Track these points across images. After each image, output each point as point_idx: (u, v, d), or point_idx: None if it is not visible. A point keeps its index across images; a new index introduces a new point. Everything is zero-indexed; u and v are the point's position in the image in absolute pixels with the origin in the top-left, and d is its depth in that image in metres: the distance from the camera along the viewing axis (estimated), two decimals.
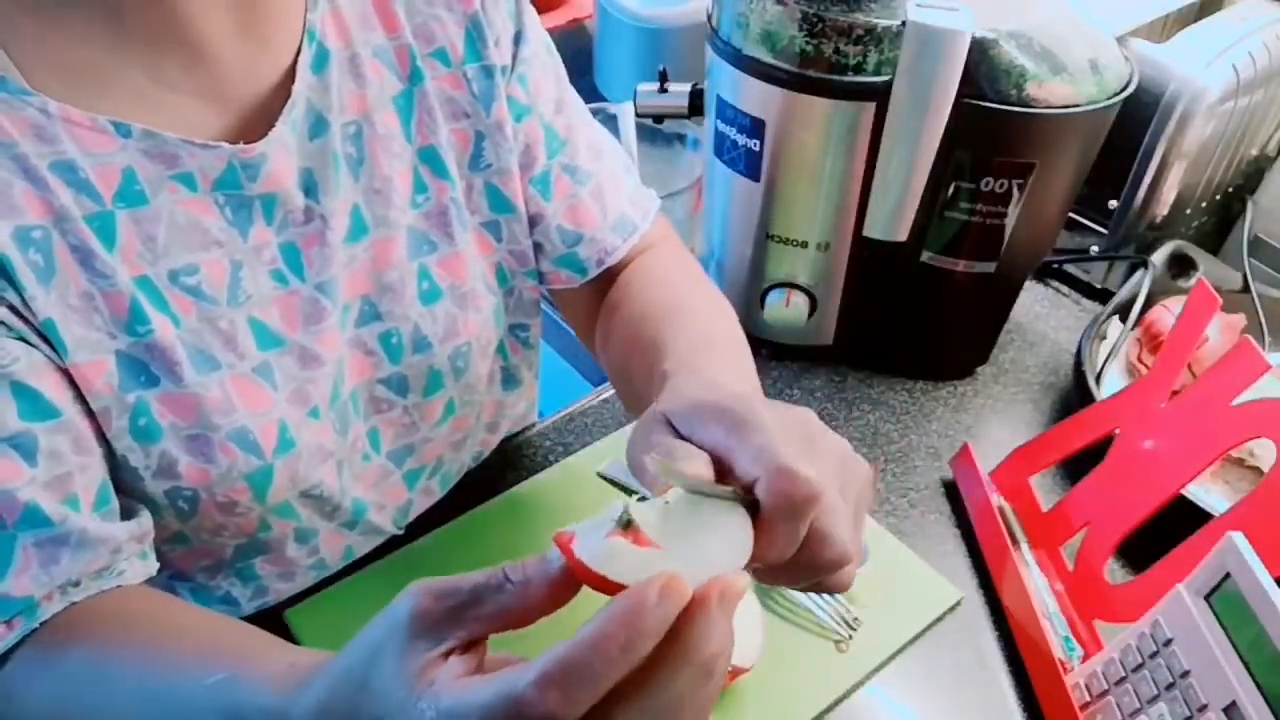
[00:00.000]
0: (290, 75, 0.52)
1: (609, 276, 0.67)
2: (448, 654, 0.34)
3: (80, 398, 0.49)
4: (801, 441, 0.39)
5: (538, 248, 0.66)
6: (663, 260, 0.68)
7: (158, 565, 0.53)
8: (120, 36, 0.47)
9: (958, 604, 0.69)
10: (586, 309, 0.69)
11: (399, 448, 0.65)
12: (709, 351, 0.53)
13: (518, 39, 0.60)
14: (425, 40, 0.57)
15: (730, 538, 0.34)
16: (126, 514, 0.52)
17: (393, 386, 0.61)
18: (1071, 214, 0.95)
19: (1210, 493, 0.72)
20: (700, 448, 0.40)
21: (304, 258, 0.54)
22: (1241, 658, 0.51)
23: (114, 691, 0.47)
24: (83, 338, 0.48)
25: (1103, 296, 0.96)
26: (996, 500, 0.74)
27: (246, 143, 0.50)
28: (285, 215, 0.53)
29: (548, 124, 0.63)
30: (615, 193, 0.67)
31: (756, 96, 0.75)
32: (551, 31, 0.66)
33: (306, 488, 0.57)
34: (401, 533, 0.72)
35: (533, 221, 0.64)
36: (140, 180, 0.48)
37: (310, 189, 0.54)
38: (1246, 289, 0.91)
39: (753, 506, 0.37)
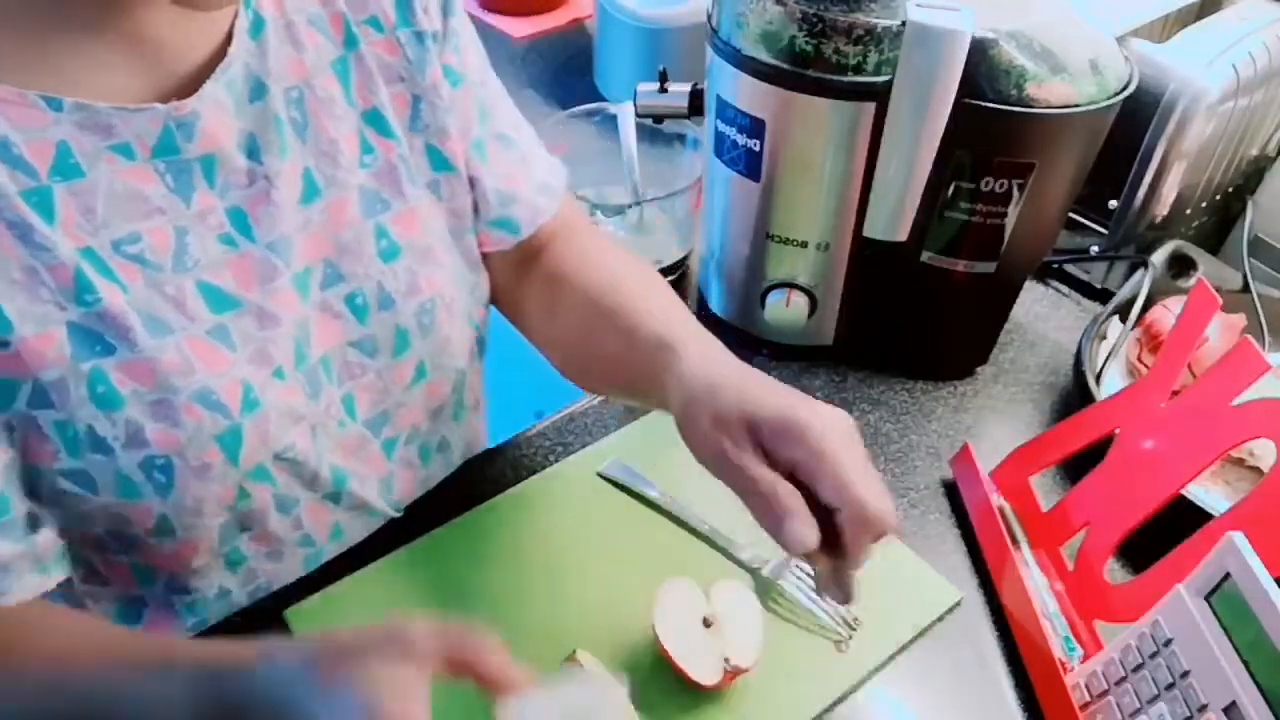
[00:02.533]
0: (227, 41, 0.53)
1: (534, 245, 0.71)
2: None
3: None
4: (856, 452, 0.50)
5: (474, 210, 0.68)
6: (592, 240, 0.73)
7: (62, 576, 0.54)
8: (53, 13, 0.48)
9: (958, 604, 0.69)
10: (508, 277, 0.72)
11: (375, 415, 0.66)
12: (691, 320, 0.62)
13: (445, 9, 0.63)
14: (358, 8, 0.59)
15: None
16: (33, 524, 0.52)
17: (364, 349, 0.62)
18: (1071, 214, 0.95)
19: (1210, 493, 0.72)
20: (776, 460, 0.50)
21: (251, 219, 0.55)
22: (1241, 658, 0.51)
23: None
24: (28, 311, 0.48)
25: (1103, 296, 0.96)
26: (996, 500, 0.74)
27: (180, 99, 0.51)
28: (227, 178, 0.54)
29: (479, 94, 0.66)
30: (536, 160, 0.71)
31: (756, 96, 0.75)
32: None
33: (280, 449, 0.58)
34: (398, 514, 0.72)
35: (471, 184, 0.67)
36: (75, 153, 0.49)
37: (252, 151, 0.55)
38: (1246, 289, 0.91)
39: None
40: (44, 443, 0.51)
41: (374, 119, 0.60)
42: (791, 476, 0.50)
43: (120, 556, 0.58)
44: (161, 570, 0.60)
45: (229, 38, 0.53)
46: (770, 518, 0.49)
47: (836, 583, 0.51)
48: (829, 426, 0.50)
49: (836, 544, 0.50)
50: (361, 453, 0.67)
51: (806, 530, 0.48)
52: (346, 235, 0.59)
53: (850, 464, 0.49)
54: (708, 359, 0.57)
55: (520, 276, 0.72)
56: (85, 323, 0.49)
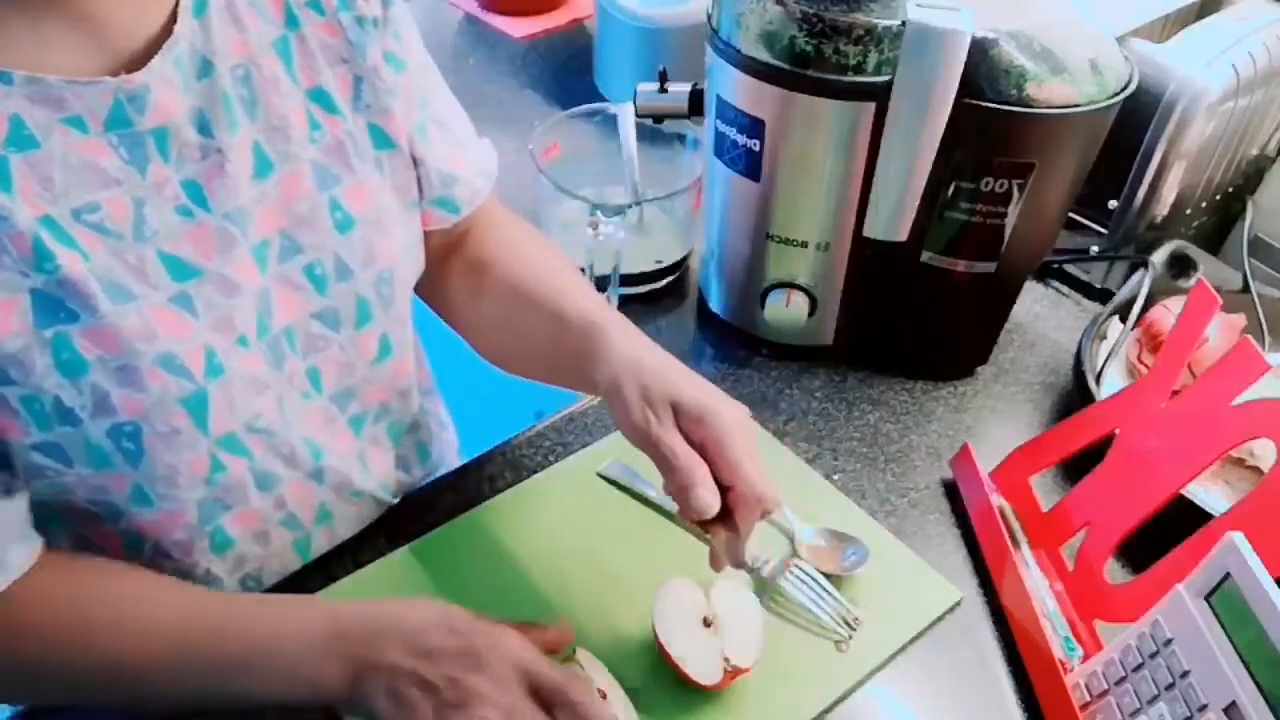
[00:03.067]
0: (173, 20, 0.54)
1: (456, 231, 0.74)
2: None
3: None
4: (751, 440, 0.58)
5: (419, 190, 0.70)
6: (513, 224, 0.77)
7: (40, 543, 0.56)
8: (4, 4, 0.48)
9: (958, 604, 0.69)
10: (431, 261, 0.73)
11: (341, 390, 0.67)
12: (609, 307, 0.67)
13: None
14: None
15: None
16: (7, 490, 0.54)
17: (326, 321, 0.63)
18: (1071, 214, 0.95)
19: (1210, 493, 0.72)
20: (688, 439, 0.57)
21: (206, 190, 0.56)
22: (1241, 658, 0.51)
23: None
24: None
25: (1103, 296, 0.96)
26: (996, 500, 0.74)
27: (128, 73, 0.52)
28: (180, 151, 0.55)
29: (419, 80, 0.68)
30: (471, 143, 0.74)
31: (756, 96, 0.75)
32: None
33: (248, 418, 0.59)
34: (393, 500, 0.73)
35: (415, 163, 0.68)
36: (29, 125, 0.49)
37: (204, 126, 0.55)
38: (1246, 289, 0.91)
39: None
40: (13, 418, 0.52)
41: (319, 96, 0.61)
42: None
43: (107, 525, 0.59)
44: (148, 536, 0.61)
45: (174, 17, 0.54)
46: (681, 485, 0.56)
47: (730, 553, 0.58)
48: (732, 416, 0.58)
49: (729, 519, 0.58)
50: (330, 427, 0.67)
51: (710, 496, 0.55)
52: (301, 208, 0.60)
53: (744, 449, 0.56)
54: (631, 341, 0.63)
55: (444, 260, 0.75)
56: (47, 290, 0.50)
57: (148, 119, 0.53)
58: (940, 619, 0.69)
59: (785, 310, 0.85)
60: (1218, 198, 0.99)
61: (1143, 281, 0.88)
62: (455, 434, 0.92)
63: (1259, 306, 0.87)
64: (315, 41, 0.60)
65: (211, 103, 0.55)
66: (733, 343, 0.91)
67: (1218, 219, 1.02)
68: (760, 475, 0.56)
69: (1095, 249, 0.95)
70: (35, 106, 0.49)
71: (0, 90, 0.48)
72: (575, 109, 0.97)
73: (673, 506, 0.73)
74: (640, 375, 0.59)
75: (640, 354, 0.61)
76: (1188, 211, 0.96)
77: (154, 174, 0.54)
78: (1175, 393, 0.67)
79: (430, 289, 0.75)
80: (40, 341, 0.50)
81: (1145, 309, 0.86)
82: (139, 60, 0.53)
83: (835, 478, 0.79)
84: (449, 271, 0.75)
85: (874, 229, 0.79)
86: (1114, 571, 0.68)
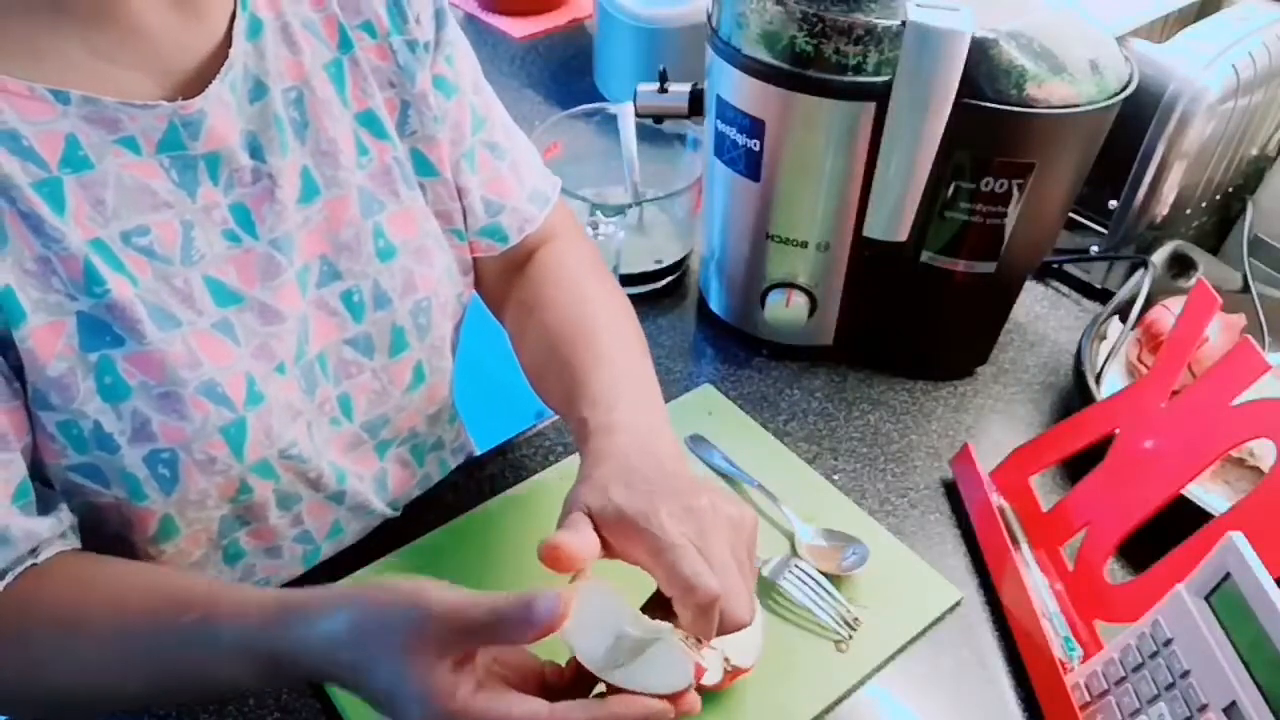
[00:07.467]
0: (226, 43, 0.54)
1: (521, 252, 0.72)
2: (452, 662, 0.45)
3: (5, 394, 0.50)
4: (697, 537, 0.50)
5: (463, 218, 0.69)
6: (571, 260, 0.72)
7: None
8: (58, 12, 0.48)
9: (958, 604, 0.69)
10: (496, 282, 0.73)
11: (374, 417, 0.66)
12: (623, 398, 0.60)
13: (438, 19, 0.63)
14: (352, 12, 0.60)
15: (680, 663, 0.49)
16: (44, 508, 0.53)
17: (359, 347, 0.63)
18: (1071, 214, 0.95)
19: (1210, 493, 0.72)
20: (615, 552, 0.52)
21: (254, 216, 0.56)
22: (1241, 658, 0.51)
23: (81, 651, 0.50)
24: (41, 300, 0.49)
25: (1103, 296, 0.96)
26: (996, 500, 0.74)
27: (185, 99, 0.52)
28: (231, 175, 0.55)
29: (471, 103, 0.67)
30: (528, 168, 0.72)
31: (756, 96, 0.75)
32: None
33: (284, 446, 0.58)
34: (396, 514, 0.72)
35: (459, 194, 0.68)
36: (84, 146, 0.49)
37: (255, 150, 0.55)
38: (1246, 289, 0.91)
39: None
40: (49, 441, 0.52)
41: (368, 120, 0.61)
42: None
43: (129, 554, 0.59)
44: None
45: (228, 39, 0.54)
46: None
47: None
48: (672, 534, 0.49)
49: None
50: (354, 452, 0.67)
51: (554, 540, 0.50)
52: (346, 234, 0.60)
53: (680, 550, 0.49)
54: (616, 450, 0.55)
55: (505, 284, 0.73)
56: (94, 313, 0.50)
57: (201, 144, 0.53)
58: (940, 619, 0.69)
59: (785, 310, 0.85)
60: (1218, 198, 0.99)
61: (1143, 281, 0.88)
62: (475, 446, 0.91)
63: (1259, 306, 0.87)
64: (367, 64, 0.60)
65: (264, 126, 0.55)
66: (733, 343, 0.91)
67: (1218, 219, 1.02)
68: (693, 575, 0.48)
69: (1095, 249, 0.95)
70: (91, 127, 0.49)
71: (58, 109, 0.48)
72: (575, 109, 0.97)
73: None
74: (584, 476, 0.54)
75: (615, 472, 0.53)
76: (1188, 211, 0.96)
77: (203, 197, 0.54)
78: (1175, 393, 0.67)
79: (495, 309, 0.75)
80: (84, 365, 0.50)
81: (1145, 309, 0.86)
82: (193, 81, 0.53)
83: (835, 478, 0.79)
84: (506, 301, 0.73)
85: (874, 229, 0.79)
86: (1114, 571, 0.68)
